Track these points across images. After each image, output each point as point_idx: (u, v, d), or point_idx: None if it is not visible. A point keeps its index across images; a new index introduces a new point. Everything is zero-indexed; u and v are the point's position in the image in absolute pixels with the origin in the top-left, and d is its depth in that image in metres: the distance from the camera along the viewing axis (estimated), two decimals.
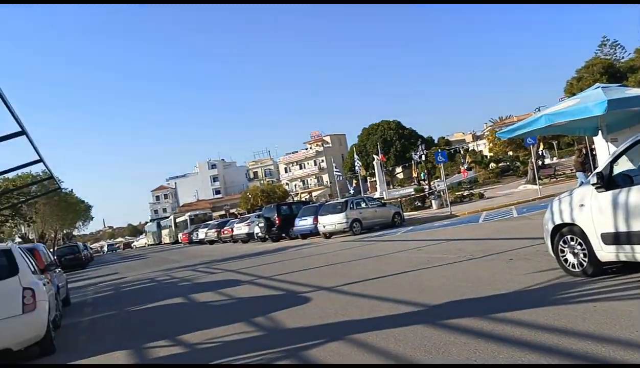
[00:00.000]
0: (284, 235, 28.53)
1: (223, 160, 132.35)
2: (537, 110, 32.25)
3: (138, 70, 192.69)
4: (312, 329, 6.36)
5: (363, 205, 23.67)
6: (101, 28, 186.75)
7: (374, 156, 56.88)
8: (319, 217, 23.62)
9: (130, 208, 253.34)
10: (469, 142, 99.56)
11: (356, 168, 56.46)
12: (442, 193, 30.51)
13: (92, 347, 7.78)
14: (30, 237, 50.40)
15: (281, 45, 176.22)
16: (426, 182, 43.72)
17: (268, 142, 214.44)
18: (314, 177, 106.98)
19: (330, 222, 22.95)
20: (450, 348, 4.61)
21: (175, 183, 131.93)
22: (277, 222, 28.14)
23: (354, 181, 72.07)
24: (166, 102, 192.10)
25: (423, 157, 41.86)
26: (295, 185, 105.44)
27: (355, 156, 59.20)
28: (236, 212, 79.68)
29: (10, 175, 35.90)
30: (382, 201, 28.77)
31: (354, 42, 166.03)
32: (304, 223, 25.67)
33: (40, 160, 13.16)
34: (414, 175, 53.86)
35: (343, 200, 24.13)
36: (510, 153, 54.03)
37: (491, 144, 58.07)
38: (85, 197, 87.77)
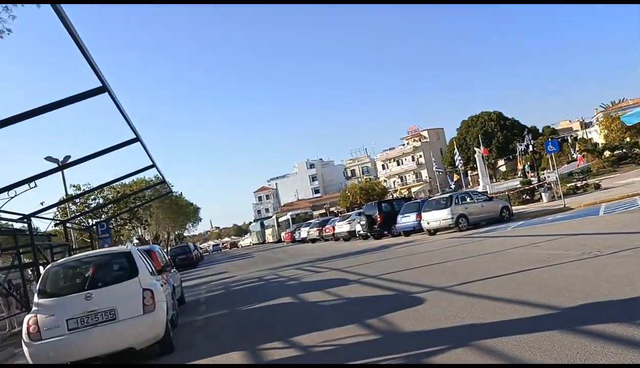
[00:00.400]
0: (385, 232, 28.14)
1: (321, 159, 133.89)
2: None
3: (241, 75, 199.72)
4: (432, 333, 5.99)
5: (468, 199, 22.72)
6: (205, 30, 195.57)
7: (475, 149, 54.61)
8: (423, 214, 22.98)
9: (235, 209, 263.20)
10: (576, 130, 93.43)
11: (457, 162, 54.74)
12: (553, 185, 28.63)
13: (208, 347, 7.91)
14: (146, 239, 53.80)
15: (379, 45, 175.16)
16: (532, 173, 41.36)
17: (365, 140, 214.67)
18: (412, 173, 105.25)
19: (434, 218, 22.25)
20: (599, 360, 4.08)
21: (276, 183, 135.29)
22: (378, 219, 27.78)
23: (455, 176, 69.99)
24: (264, 105, 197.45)
25: (530, 148, 39.55)
26: (394, 182, 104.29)
27: (456, 150, 57.33)
28: (335, 211, 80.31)
29: (127, 181, 38.45)
30: (488, 195, 27.53)
31: (447, 33, 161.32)
32: (406, 220, 25.11)
33: (153, 165, 13.78)
34: (520, 167, 51.28)
35: (447, 195, 23.30)
36: (628, 139, 49.94)
37: (606, 130, 54.00)
38: (193, 200, 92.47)
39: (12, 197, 9.91)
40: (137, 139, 10.37)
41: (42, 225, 30.34)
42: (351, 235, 32.93)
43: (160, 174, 15.05)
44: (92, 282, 7.81)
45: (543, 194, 29.02)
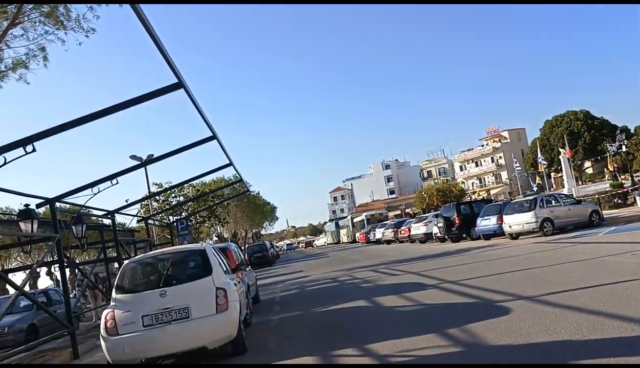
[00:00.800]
0: (464, 235, 27.18)
1: (397, 160, 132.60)
2: None
3: (318, 75, 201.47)
4: (522, 349, 5.46)
5: (554, 202, 21.41)
6: (281, 30, 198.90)
7: (560, 150, 51.93)
8: (504, 217, 21.92)
9: (310, 209, 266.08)
10: None
11: (539, 163, 52.29)
12: None
13: (281, 349, 7.73)
14: (225, 236, 55.18)
15: (459, 43, 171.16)
16: (624, 176, 38.68)
17: (442, 141, 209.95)
18: (491, 174, 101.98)
19: (517, 221, 21.15)
20: None
21: (352, 184, 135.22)
22: (456, 221, 26.84)
23: (537, 178, 66.97)
24: (340, 105, 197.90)
25: (623, 148, 37.04)
26: (472, 184, 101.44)
27: (538, 151, 54.79)
28: (411, 212, 79.01)
29: (207, 180, 39.54)
30: (576, 198, 25.92)
31: (528, 33, 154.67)
32: (486, 223, 24.10)
33: (230, 164, 13.86)
34: (610, 168, 48.29)
35: (531, 197, 22.09)
36: None
37: None
38: (270, 200, 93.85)
39: (95, 194, 10.19)
40: (213, 137, 10.40)
41: (127, 221, 31.76)
42: (427, 237, 32.11)
43: (237, 172, 15.18)
44: (166, 279, 7.84)
45: (637, 198, 27.04)
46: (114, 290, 7.75)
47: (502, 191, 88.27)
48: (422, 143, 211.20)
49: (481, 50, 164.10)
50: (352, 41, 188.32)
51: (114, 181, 10.30)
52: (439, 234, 28.84)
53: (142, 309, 7.29)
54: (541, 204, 20.91)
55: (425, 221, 33.00)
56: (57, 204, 10.81)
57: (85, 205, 12.92)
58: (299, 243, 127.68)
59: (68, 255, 14.36)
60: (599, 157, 65.04)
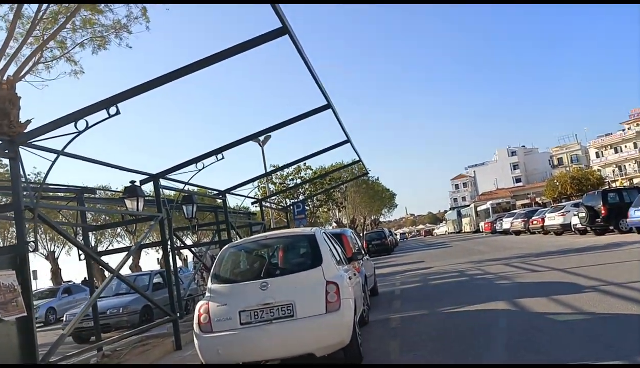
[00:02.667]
0: (611, 227, 23.80)
1: (524, 146, 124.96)
2: None
3: (442, 58, 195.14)
4: None
5: None
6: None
7: None
8: None
9: (430, 197, 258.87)
10: None
11: None
12: None
13: (404, 360, 6.25)
14: (343, 222, 54.48)
15: (595, 17, 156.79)
16: None
17: (575, 126, 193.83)
18: (633, 161, 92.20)
19: None
20: None
21: (474, 171, 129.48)
22: (602, 211, 23.47)
23: None
24: (464, 88, 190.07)
25: None
26: (612, 171, 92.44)
27: None
28: (540, 201, 73.40)
29: (326, 164, 38.80)
30: None
31: None
32: None
33: (348, 141, 12.55)
34: None
35: None
36: None
37: None
38: (389, 186, 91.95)
39: (199, 170, 9.31)
40: (328, 106, 9.07)
41: (245, 204, 31.80)
42: (564, 228, 28.79)
43: (355, 150, 13.82)
44: (269, 268, 6.65)
45: None
46: (209, 279, 6.69)
47: None
48: (552, 128, 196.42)
49: (620, 23, 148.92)
50: (480, 24, 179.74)
51: (219, 156, 9.35)
52: (579, 225, 25.56)
53: (239, 303, 6.16)
54: None
55: (562, 211, 29.57)
56: (164, 182, 10.11)
57: (195, 184, 12.28)
58: (410, 232, 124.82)
59: (179, 236, 13.90)
60: None
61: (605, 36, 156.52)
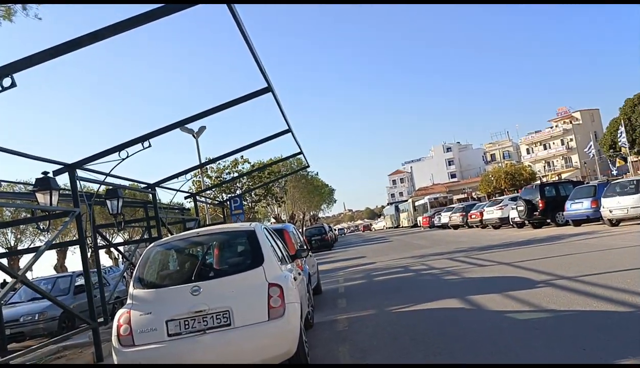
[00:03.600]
0: (548, 221, 24.18)
1: (458, 143, 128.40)
2: None
3: (378, 57, 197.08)
4: None
5: None
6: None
7: None
8: (603, 199, 18.82)
9: (368, 192, 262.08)
10: None
11: (622, 144, 47.70)
12: None
13: None
14: (282, 218, 53.56)
15: (523, 26, 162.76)
16: None
17: (506, 123, 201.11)
18: (560, 157, 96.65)
19: (620, 205, 18.04)
20: None
21: (411, 167, 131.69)
22: (540, 205, 23.79)
23: (618, 161, 61.76)
24: (401, 87, 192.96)
25: None
26: (544, 167, 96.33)
27: (622, 129, 49.98)
28: (475, 196, 75.23)
29: (265, 158, 37.78)
30: None
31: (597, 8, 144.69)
32: (578, 207, 21.06)
33: (289, 130, 11.72)
34: None
35: (638, 178, 18.85)
36: None
37: None
38: (328, 181, 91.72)
39: (123, 159, 8.22)
40: (269, 89, 8.21)
41: (178, 199, 30.28)
42: (502, 222, 29.18)
43: (295, 140, 13.00)
44: (201, 270, 5.72)
45: None
46: (131, 284, 5.72)
47: (574, 175, 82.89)
48: (486, 126, 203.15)
49: (546, 26, 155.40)
50: (413, 24, 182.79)
51: (146, 143, 8.29)
52: (517, 219, 25.85)
53: (167, 311, 5.25)
54: None
55: (501, 204, 29.97)
56: (83, 174, 8.93)
57: (122, 176, 11.14)
58: (348, 227, 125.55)
59: (103, 233, 12.65)
60: None
61: (529, 40, 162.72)
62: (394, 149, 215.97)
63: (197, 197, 17.35)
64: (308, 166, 19.75)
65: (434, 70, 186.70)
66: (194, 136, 19.89)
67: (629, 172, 58.33)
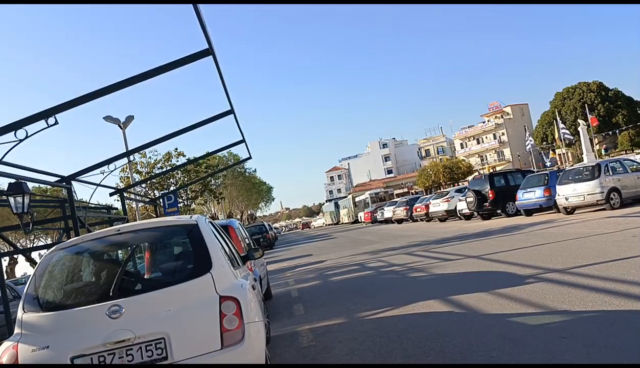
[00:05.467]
0: (498, 211, 23.67)
1: (394, 139, 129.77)
2: None
3: (312, 52, 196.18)
4: None
5: (620, 170, 17.81)
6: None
7: (579, 122, 48.28)
8: (559, 187, 18.30)
9: (305, 190, 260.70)
10: None
11: (561, 136, 48.87)
12: None
13: None
14: (219, 217, 51.33)
15: (451, 18, 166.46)
16: None
17: (440, 119, 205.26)
18: (493, 151, 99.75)
19: (576, 192, 17.53)
20: None
21: (349, 163, 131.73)
22: (490, 195, 23.20)
23: (551, 152, 63.55)
24: (335, 84, 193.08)
25: None
26: (480, 161, 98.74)
27: (559, 122, 51.17)
28: (413, 191, 75.62)
29: (203, 153, 35.53)
30: None
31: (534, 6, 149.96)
32: (529, 196, 20.55)
33: (232, 112, 10.08)
34: None
35: (593, 163, 18.42)
36: None
37: None
38: (265, 179, 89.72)
39: (20, 140, 6.38)
40: (209, 52, 6.58)
41: (106, 197, 27.71)
42: (449, 214, 28.63)
43: (238, 125, 11.38)
44: (123, 282, 4.06)
45: None
46: (20, 306, 4.00)
47: (507, 168, 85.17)
48: (420, 121, 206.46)
49: (479, 26, 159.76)
50: (345, 17, 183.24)
51: (51, 120, 6.48)
52: (465, 211, 25.23)
53: (73, 343, 3.61)
54: (606, 172, 17.29)
55: (447, 197, 29.38)
56: None
57: (30, 168, 9.21)
58: (287, 226, 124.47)
59: (6, 237, 10.55)
60: (616, 131, 61.74)
61: (463, 36, 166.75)
62: (330, 146, 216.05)
63: (125, 194, 15.32)
64: (250, 158, 18.00)
65: (367, 66, 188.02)
66: (120, 127, 17.77)
67: (557, 164, 60.07)
